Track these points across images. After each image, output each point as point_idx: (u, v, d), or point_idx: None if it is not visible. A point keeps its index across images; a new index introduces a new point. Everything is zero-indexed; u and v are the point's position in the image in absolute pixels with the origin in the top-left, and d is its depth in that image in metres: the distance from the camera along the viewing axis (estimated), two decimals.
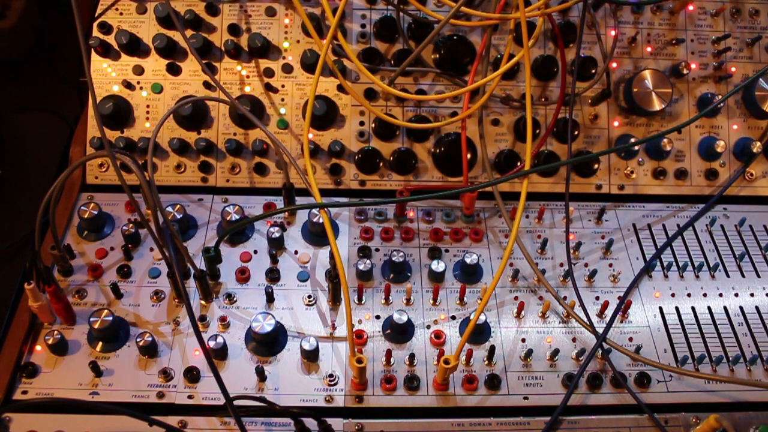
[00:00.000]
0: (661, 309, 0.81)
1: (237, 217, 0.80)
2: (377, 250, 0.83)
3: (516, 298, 0.80)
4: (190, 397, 0.70)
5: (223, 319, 0.75)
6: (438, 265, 0.79)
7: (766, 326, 0.80)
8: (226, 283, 0.79)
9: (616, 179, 0.91)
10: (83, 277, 0.78)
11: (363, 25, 0.91)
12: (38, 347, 0.72)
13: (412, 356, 0.73)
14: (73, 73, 1.05)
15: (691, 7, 0.94)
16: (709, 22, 0.94)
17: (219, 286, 0.79)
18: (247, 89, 0.89)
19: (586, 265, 0.84)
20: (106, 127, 0.87)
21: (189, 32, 0.88)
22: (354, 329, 0.75)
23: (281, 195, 0.84)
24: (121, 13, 0.89)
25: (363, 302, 0.78)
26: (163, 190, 0.86)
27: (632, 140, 0.90)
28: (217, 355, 0.72)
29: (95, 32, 0.88)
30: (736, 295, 0.83)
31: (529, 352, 0.74)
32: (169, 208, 0.80)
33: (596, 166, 0.90)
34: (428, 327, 0.77)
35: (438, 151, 0.89)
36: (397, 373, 0.73)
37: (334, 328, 0.76)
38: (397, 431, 0.69)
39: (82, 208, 0.80)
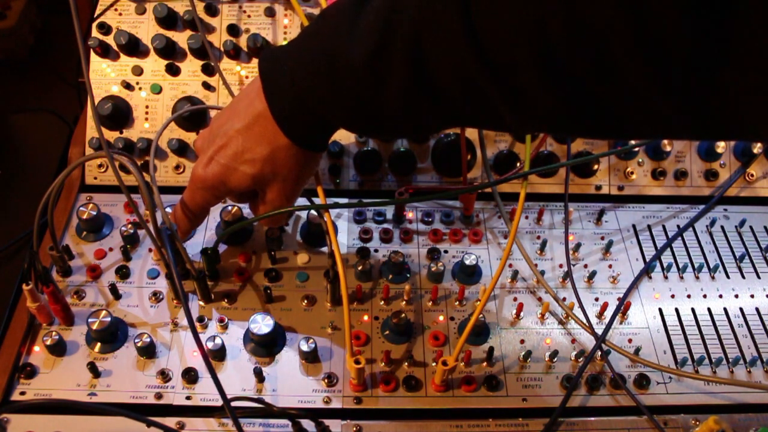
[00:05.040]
0: (660, 310, 0.80)
1: (236, 217, 0.80)
2: (376, 250, 0.83)
3: (515, 299, 0.80)
4: (188, 398, 0.70)
5: (221, 320, 0.75)
6: (437, 266, 0.79)
7: (766, 328, 0.80)
8: (225, 283, 0.79)
9: (616, 180, 0.91)
10: (82, 278, 0.78)
11: None
12: (36, 348, 0.72)
13: (411, 357, 0.73)
14: (73, 73, 1.05)
15: None
16: None
17: (218, 286, 0.79)
18: None
19: (585, 266, 0.84)
20: (105, 128, 0.87)
21: (188, 33, 0.88)
22: (353, 330, 0.74)
23: None
24: (120, 14, 0.89)
25: (362, 303, 0.78)
26: (162, 190, 0.84)
27: (632, 141, 0.89)
28: (216, 356, 0.72)
29: (94, 32, 0.88)
30: (736, 296, 0.82)
31: (528, 354, 0.74)
32: (168, 209, 0.80)
33: (596, 166, 0.90)
34: (427, 328, 0.77)
35: (437, 152, 0.88)
36: (396, 374, 0.73)
37: (332, 329, 0.76)
38: None
39: (81, 208, 0.80)
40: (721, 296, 0.82)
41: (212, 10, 0.89)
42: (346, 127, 0.63)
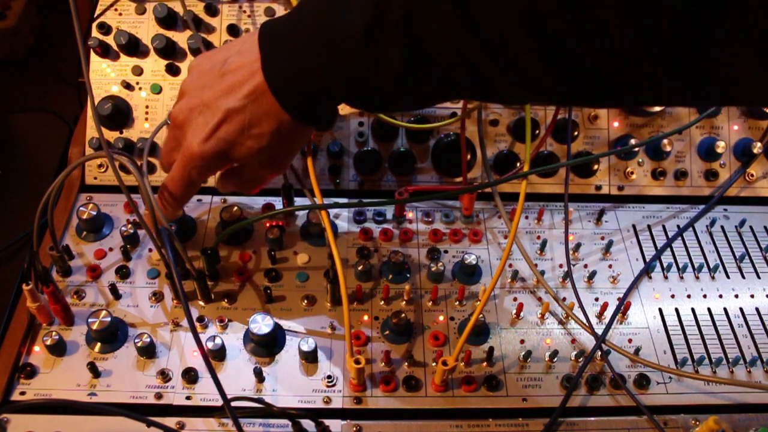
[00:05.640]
0: (660, 310, 0.80)
1: (236, 217, 0.80)
2: (376, 250, 0.83)
3: (515, 299, 0.80)
4: (188, 398, 0.70)
5: (221, 319, 0.75)
6: (437, 266, 0.79)
7: (766, 328, 0.80)
8: (224, 283, 0.79)
9: (616, 180, 0.91)
10: (82, 278, 0.78)
11: None
12: (36, 348, 0.72)
13: (411, 357, 0.73)
14: (73, 73, 1.05)
15: None
16: None
17: (218, 286, 0.79)
18: None
19: (585, 266, 0.84)
20: (105, 128, 0.87)
21: (188, 33, 0.88)
22: (352, 330, 0.74)
23: (280, 195, 0.84)
24: (120, 14, 0.89)
25: (362, 303, 0.78)
26: None
27: (632, 141, 0.89)
28: (215, 356, 0.72)
29: (94, 32, 0.88)
30: (736, 296, 0.82)
31: (528, 354, 0.74)
32: None
33: (596, 166, 0.90)
34: (427, 328, 0.77)
35: (437, 151, 0.88)
36: (396, 374, 0.73)
37: (332, 329, 0.76)
38: None
39: (81, 208, 0.80)
40: (721, 296, 0.82)
41: (212, 10, 0.89)
42: (345, 101, 0.62)
